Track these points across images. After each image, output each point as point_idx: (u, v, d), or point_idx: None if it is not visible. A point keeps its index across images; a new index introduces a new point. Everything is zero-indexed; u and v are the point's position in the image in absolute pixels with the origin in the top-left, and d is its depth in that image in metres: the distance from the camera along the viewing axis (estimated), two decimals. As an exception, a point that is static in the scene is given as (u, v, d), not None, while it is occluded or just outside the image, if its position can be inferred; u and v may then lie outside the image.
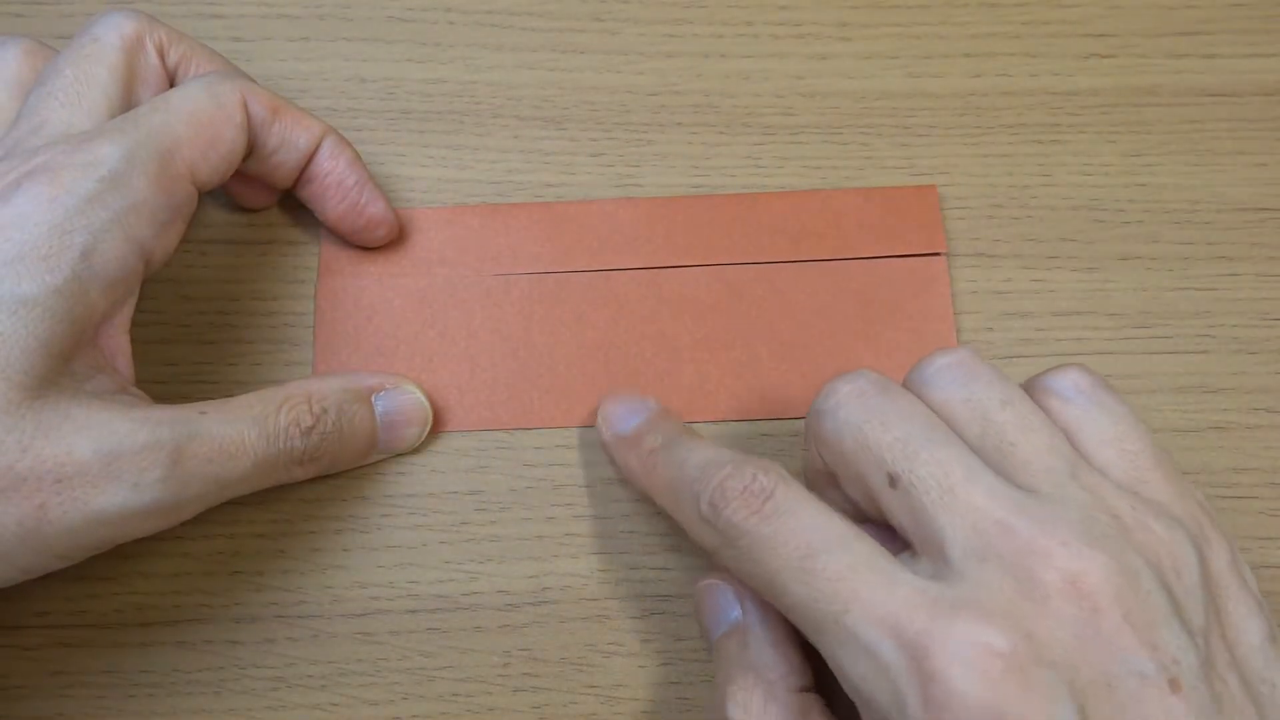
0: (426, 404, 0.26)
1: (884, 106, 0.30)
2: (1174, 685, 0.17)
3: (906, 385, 0.22)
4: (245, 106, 0.24)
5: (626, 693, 0.25)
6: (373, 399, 0.26)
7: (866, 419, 0.20)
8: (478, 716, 0.25)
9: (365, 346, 0.27)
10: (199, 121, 0.23)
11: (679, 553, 0.26)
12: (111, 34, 0.24)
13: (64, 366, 0.21)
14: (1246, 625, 0.19)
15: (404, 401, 0.26)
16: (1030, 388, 0.21)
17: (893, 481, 0.19)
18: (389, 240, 0.28)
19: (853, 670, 0.18)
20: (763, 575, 0.19)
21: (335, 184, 0.27)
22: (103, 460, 0.20)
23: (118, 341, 0.23)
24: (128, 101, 0.24)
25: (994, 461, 0.20)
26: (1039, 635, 0.17)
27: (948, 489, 0.19)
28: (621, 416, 0.25)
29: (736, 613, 0.22)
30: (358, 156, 0.27)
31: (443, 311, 0.28)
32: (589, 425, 0.27)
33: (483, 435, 0.27)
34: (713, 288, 0.28)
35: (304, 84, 0.30)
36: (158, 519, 0.21)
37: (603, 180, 0.29)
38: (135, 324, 0.23)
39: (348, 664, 0.25)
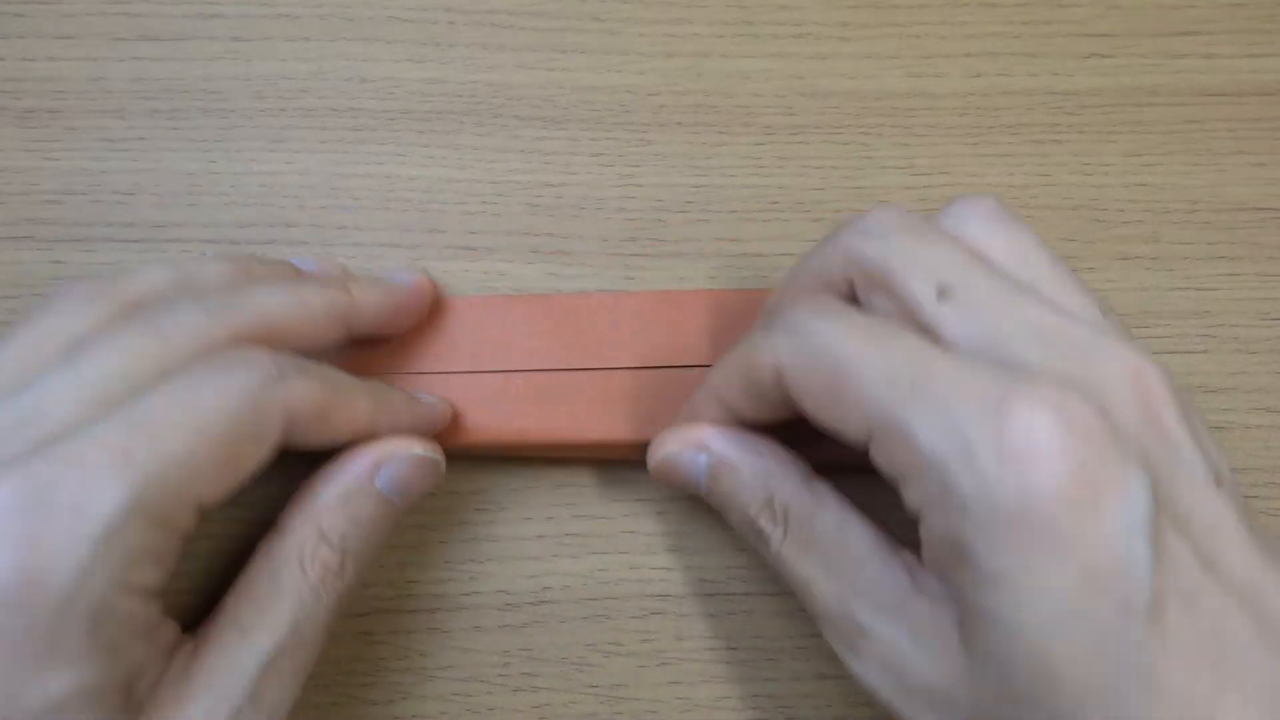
0: (427, 454, 0.23)
1: (884, 106, 0.30)
2: (1219, 480, 0.18)
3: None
4: (287, 415, 0.20)
5: (626, 693, 0.25)
6: (374, 483, 0.22)
7: (918, 237, 0.20)
8: (478, 716, 0.25)
9: None
10: (225, 444, 0.19)
11: (679, 553, 0.26)
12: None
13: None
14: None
15: (404, 469, 0.23)
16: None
17: (943, 292, 0.19)
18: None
19: (920, 432, 0.17)
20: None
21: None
22: None
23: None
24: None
25: None
26: (1113, 412, 0.18)
27: (1007, 299, 0.19)
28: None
29: (703, 458, 0.23)
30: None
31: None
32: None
33: (483, 435, 0.27)
34: None
35: (304, 84, 0.30)
36: None
37: (603, 180, 0.29)
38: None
39: (348, 664, 0.25)
